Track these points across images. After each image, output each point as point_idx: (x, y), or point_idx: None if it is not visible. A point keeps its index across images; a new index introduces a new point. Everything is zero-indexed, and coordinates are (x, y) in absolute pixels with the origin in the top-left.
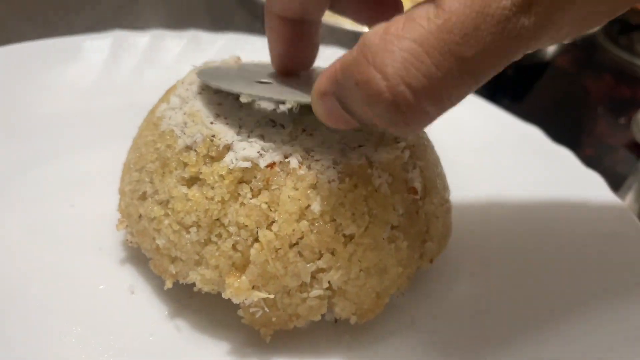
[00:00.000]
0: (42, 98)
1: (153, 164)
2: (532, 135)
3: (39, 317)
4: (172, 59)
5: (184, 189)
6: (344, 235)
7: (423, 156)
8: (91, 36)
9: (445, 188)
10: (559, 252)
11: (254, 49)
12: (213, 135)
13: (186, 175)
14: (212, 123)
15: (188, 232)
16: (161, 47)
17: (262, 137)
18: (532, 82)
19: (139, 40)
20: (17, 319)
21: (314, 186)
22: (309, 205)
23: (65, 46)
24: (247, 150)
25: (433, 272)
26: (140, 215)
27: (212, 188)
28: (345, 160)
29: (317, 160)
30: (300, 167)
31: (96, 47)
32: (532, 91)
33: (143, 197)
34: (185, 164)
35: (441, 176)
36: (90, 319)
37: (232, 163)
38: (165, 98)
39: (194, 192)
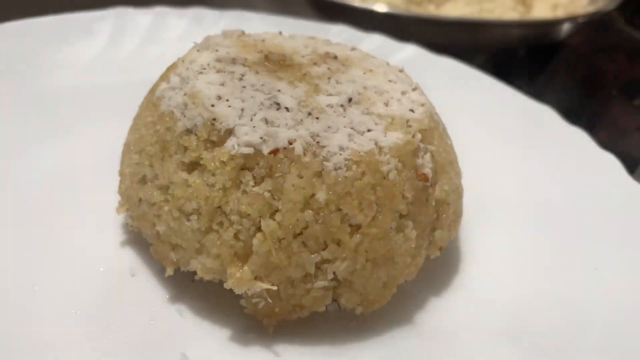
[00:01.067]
0: (44, 74)
1: (152, 147)
2: (545, 115)
3: (38, 299)
4: (175, 36)
5: (184, 175)
6: (350, 225)
7: (435, 140)
8: (94, 13)
9: (457, 173)
10: (573, 237)
11: (257, 26)
12: (214, 119)
13: (186, 160)
14: (213, 106)
15: (189, 220)
16: (165, 24)
17: (265, 121)
18: (545, 63)
19: (142, 18)
20: (17, 300)
21: (319, 174)
22: (313, 194)
23: (68, 23)
24: (250, 135)
25: (441, 258)
26: (140, 200)
27: (213, 175)
28: (353, 146)
29: (323, 147)
30: (305, 154)
31: (99, 24)
32: (545, 72)
33: (143, 180)
34: (186, 148)
35: (453, 161)
36: (89, 302)
37: (234, 149)
38: (165, 76)
39: (195, 178)
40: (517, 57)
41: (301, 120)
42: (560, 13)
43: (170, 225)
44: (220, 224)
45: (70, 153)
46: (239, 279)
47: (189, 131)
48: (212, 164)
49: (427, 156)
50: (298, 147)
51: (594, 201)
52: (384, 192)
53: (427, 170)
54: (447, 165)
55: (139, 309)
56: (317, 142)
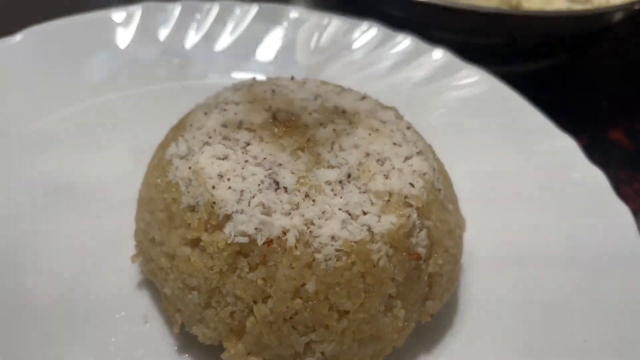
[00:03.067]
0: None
1: (161, 213)
2: (566, 149)
3: (52, 340)
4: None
5: (187, 250)
6: (338, 311)
7: (433, 214)
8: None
9: (456, 241)
10: (575, 298)
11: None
12: (214, 202)
13: (189, 237)
14: (214, 187)
15: (191, 293)
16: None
17: (262, 206)
18: (592, 45)
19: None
20: (35, 341)
21: (309, 265)
22: (304, 284)
23: (94, 21)
24: (246, 225)
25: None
26: (151, 258)
27: (212, 258)
28: (345, 235)
29: (315, 237)
30: (297, 246)
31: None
32: (591, 55)
33: (153, 241)
34: (189, 225)
35: (452, 229)
36: (103, 349)
37: (231, 236)
38: (174, 136)
39: (196, 257)
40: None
41: (297, 204)
42: None
43: (175, 292)
44: (218, 302)
45: (94, 177)
46: (234, 354)
47: (192, 208)
48: (211, 248)
49: (423, 233)
50: (291, 238)
51: (604, 260)
52: (373, 280)
53: (421, 250)
54: (445, 236)
55: (148, 359)
56: (310, 232)
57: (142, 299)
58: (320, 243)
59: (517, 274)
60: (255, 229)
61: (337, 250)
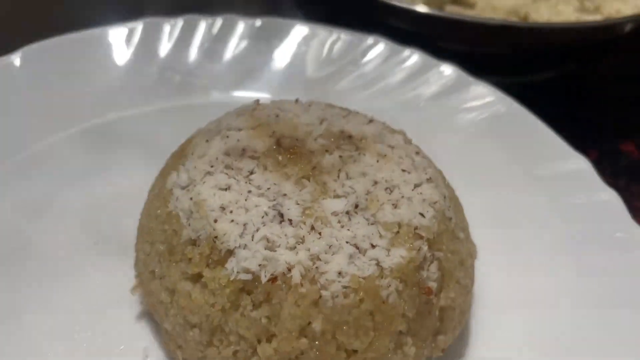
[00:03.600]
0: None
1: (161, 246)
2: (580, 171)
3: None
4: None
5: (188, 286)
6: (346, 351)
7: (444, 245)
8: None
9: (467, 271)
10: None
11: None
12: (216, 237)
13: (189, 272)
14: (215, 221)
15: (192, 330)
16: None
17: (266, 241)
18: (601, 56)
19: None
20: None
21: (315, 303)
22: (310, 323)
23: (92, 39)
24: (249, 261)
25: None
26: (151, 291)
27: (214, 294)
28: (353, 270)
29: (322, 273)
30: (302, 284)
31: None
32: (600, 66)
33: (152, 274)
34: (190, 259)
35: (464, 258)
36: None
37: (234, 273)
38: (174, 164)
39: (197, 293)
40: (572, 48)
41: (303, 237)
42: None
43: (176, 328)
44: (220, 340)
45: (94, 200)
46: None
47: (193, 242)
48: (213, 284)
49: (434, 266)
50: (296, 275)
51: (619, 292)
52: (382, 317)
53: (432, 283)
54: (456, 267)
55: None
56: (316, 268)
57: (142, 331)
58: (326, 279)
59: (530, 305)
60: (259, 265)
61: (345, 286)
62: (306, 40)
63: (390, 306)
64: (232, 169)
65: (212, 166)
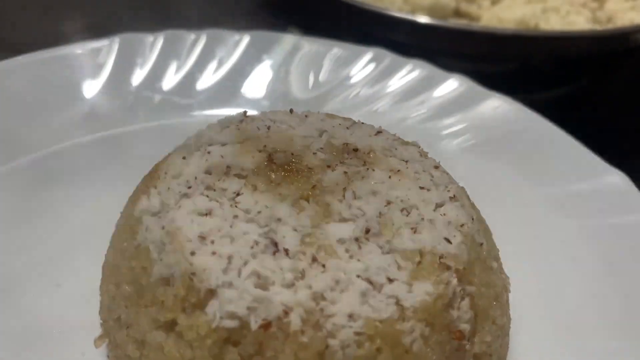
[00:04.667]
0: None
1: (128, 287)
2: (617, 186)
3: None
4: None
5: (160, 336)
6: None
7: (476, 277)
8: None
9: (503, 308)
10: None
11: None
12: (193, 274)
13: (162, 318)
14: (193, 254)
15: None
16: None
17: (257, 276)
18: (617, 66)
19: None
20: None
21: (321, 355)
22: None
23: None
24: (235, 303)
25: None
26: (117, 343)
27: (191, 347)
28: (367, 312)
29: (328, 316)
30: (303, 331)
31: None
32: (617, 76)
33: (118, 322)
34: (162, 303)
35: (499, 293)
36: None
37: (215, 319)
38: (145, 187)
39: (171, 345)
40: (584, 59)
41: (302, 271)
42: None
43: None
44: None
45: (55, 240)
46: None
47: (165, 281)
48: (190, 334)
49: (465, 303)
50: (295, 320)
51: None
52: None
53: (464, 325)
54: (491, 304)
55: None
56: (321, 310)
57: None
58: (334, 324)
59: (570, 342)
60: (248, 308)
61: (357, 333)
62: (299, 54)
63: (414, 356)
64: (214, 190)
65: (189, 187)
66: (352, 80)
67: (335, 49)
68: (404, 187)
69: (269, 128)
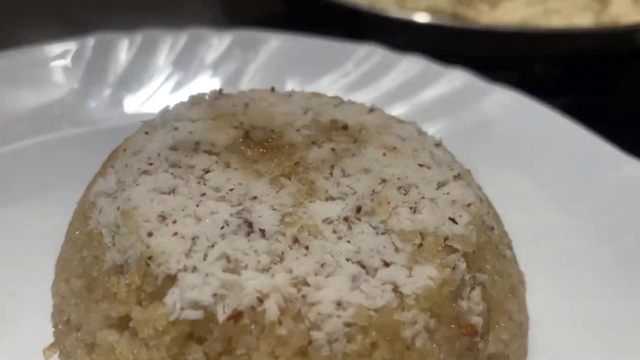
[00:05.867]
0: None
1: (78, 281)
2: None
3: None
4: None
5: (111, 335)
6: None
7: (488, 263)
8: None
9: (520, 301)
10: None
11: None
12: (150, 257)
13: (114, 314)
14: (150, 235)
15: None
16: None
17: (226, 260)
18: (622, 74)
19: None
20: None
21: (304, 351)
22: None
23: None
24: (199, 290)
25: None
26: (66, 350)
27: (147, 346)
28: (358, 299)
29: (311, 304)
30: (281, 322)
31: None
32: (622, 84)
33: (68, 324)
34: (114, 295)
35: (515, 284)
36: None
37: (176, 310)
38: (103, 170)
39: (123, 346)
40: (590, 67)
41: (281, 253)
42: None
43: None
44: None
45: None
46: None
47: (118, 268)
48: (146, 330)
49: (476, 293)
50: (271, 309)
51: None
52: None
53: (476, 319)
54: (506, 296)
55: None
56: (303, 297)
57: None
58: (319, 314)
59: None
60: (214, 295)
61: (347, 324)
62: (288, 53)
63: (418, 354)
64: (180, 167)
65: (150, 164)
66: (345, 77)
67: (327, 45)
68: (401, 165)
69: (246, 105)
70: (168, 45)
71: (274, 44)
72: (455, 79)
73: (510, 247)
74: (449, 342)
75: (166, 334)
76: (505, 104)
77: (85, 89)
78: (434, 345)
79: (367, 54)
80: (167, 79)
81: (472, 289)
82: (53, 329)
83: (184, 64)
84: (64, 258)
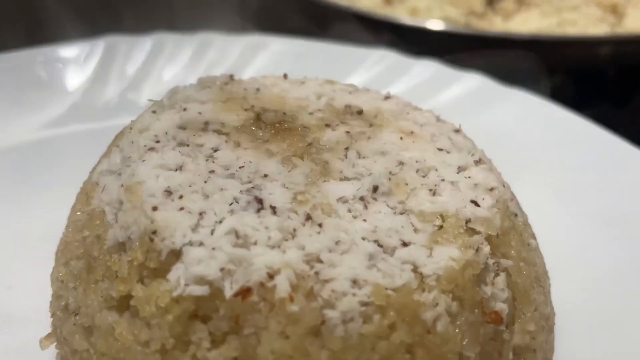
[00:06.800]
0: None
1: (78, 262)
2: None
3: None
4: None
5: (111, 316)
6: None
7: (512, 249)
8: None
9: (546, 292)
10: None
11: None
12: (154, 232)
13: (114, 294)
14: (155, 209)
15: None
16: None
17: (235, 235)
18: (637, 85)
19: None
20: None
21: (316, 331)
22: None
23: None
24: (205, 264)
25: None
26: (64, 337)
27: (149, 325)
28: (375, 278)
29: (324, 281)
30: (292, 298)
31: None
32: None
33: (66, 310)
34: (115, 274)
35: (540, 273)
36: None
37: (180, 286)
38: (108, 151)
39: (123, 327)
40: (605, 77)
41: (293, 230)
42: None
43: None
44: None
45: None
46: None
47: (121, 246)
48: (147, 309)
49: (500, 279)
50: (282, 285)
51: None
52: (427, 355)
53: (501, 306)
54: (532, 286)
55: None
56: (316, 274)
57: None
58: (333, 291)
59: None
60: (222, 270)
61: (364, 303)
62: (298, 57)
63: (439, 338)
64: (188, 145)
65: (157, 142)
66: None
67: (340, 50)
68: (420, 149)
69: (258, 90)
70: (179, 48)
71: (286, 49)
72: (469, 82)
73: (534, 237)
74: (472, 328)
75: (169, 312)
76: (520, 108)
77: (96, 88)
78: (457, 330)
79: (380, 58)
80: (177, 82)
81: (496, 274)
82: (51, 319)
83: (194, 67)
84: (64, 241)
